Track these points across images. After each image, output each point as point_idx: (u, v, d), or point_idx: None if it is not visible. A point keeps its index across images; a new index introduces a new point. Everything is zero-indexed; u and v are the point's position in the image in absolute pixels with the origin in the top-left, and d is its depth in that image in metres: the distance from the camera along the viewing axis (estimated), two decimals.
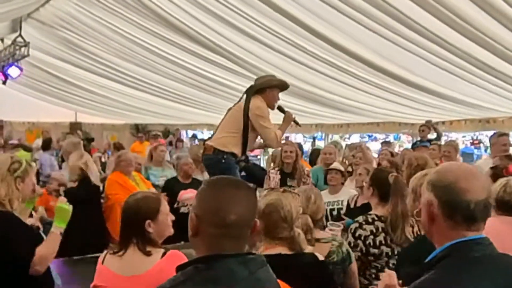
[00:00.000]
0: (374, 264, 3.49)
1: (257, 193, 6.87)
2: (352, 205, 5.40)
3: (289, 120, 5.33)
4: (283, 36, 7.00)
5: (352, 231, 3.52)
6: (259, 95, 5.17)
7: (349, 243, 3.46)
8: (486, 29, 5.41)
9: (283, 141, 5.98)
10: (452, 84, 7.61)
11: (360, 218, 3.57)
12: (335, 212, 5.57)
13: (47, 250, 3.05)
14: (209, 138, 5.54)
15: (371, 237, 3.46)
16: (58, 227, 3.16)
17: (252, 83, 5.28)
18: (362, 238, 3.46)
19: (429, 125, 9.16)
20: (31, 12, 9.72)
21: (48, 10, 9.45)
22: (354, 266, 3.32)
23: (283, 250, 2.67)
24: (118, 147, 11.30)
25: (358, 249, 3.46)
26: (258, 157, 16.85)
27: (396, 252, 3.46)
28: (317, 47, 7.07)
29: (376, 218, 3.52)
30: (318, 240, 3.17)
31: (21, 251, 2.98)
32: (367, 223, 3.51)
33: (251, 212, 1.64)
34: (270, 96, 5.21)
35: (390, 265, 3.46)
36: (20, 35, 10.19)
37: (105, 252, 2.75)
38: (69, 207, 3.22)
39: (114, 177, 6.15)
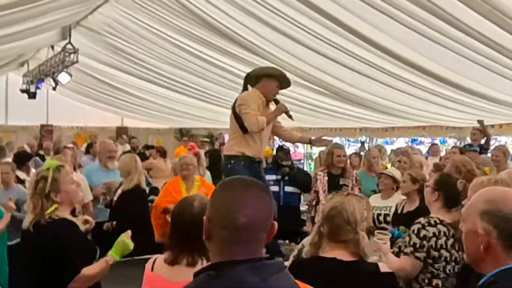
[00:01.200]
0: (430, 269, 3.42)
1: (301, 198, 6.92)
2: (399, 211, 5.30)
3: (279, 110, 5.10)
4: (327, 39, 6.96)
5: (416, 232, 3.44)
6: (255, 84, 5.06)
7: (414, 245, 3.40)
8: None
9: (334, 145, 5.92)
10: (501, 86, 7.39)
11: (422, 220, 3.51)
12: (381, 217, 5.49)
13: (92, 274, 3.06)
14: None
15: (434, 239, 3.40)
16: (113, 258, 3.13)
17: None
18: (427, 238, 3.40)
19: (481, 128, 8.75)
20: (80, 19, 10.00)
21: (96, 17, 9.70)
22: None
23: (342, 254, 2.62)
24: (160, 151, 11.40)
25: (425, 249, 3.40)
26: (302, 161, 16.81)
27: (453, 258, 3.40)
28: (362, 49, 7.00)
29: (438, 222, 3.46)
30: None
31: (71, 263, 3.01)
32: (430, 225, 3.45)
33: (265, 214, 1.55)
34: (267, 85, 5.05)
35: (447, 270, 3.40)
36: (69, 42, 10.49)
37: (154, 257, 2.74)
38: (131, 244, 3.20)
39: (168, 184, 6.19)
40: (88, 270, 3.04)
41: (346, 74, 8.30)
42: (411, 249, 3.42)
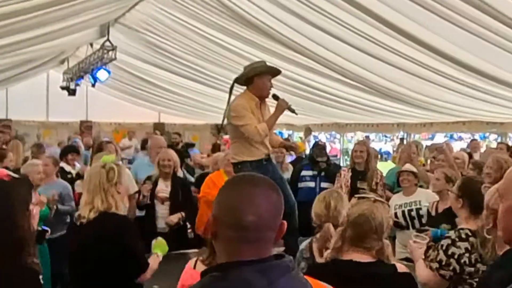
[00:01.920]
0: (469, 281, 3.23)
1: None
2: (433, 213, 5.19)
3: (281, 108, 4.97)
4: (363, 32, 6.87)
5: (444, 248, 3.24)
6: (247, 86, 4.94)
7: (440, 261, 3.23)
8: None
9: (358, 141, 5.89)
10: None
11: (453, 234, 3.31)
12: (413, 213, 5.43)
13: (154, 266, 3.42)
14: None
15: (467, 255, 3.18)
16: (160, 255, 3.56)
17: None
18: (456, 256, 3.19)
19: None
20: (118, 17, 10.15)
21: (133, 15, 9.83)
22: None
23: (360, 257, 2.61)
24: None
25: (451, 268, 3.20)
26: (338, 156, 16.71)
27: None
28: (400, 43, 6.89)
29: (470, 234, 3.23)
30: None
31: (139, 260, 3.30)
32: (461, 239, 3.22)
33: (273, 213, 1.49)
34: (260, 84, 4.89)
35: None
36: (108, 39, 10.66)
37: (195, 258, 2.90)
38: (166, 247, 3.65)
39: (212, 176, 6.32)
40: (153, 263, 3.40)
41: (384, 69, 8.18)
42: (437, 265, 3.24)
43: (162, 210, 5.75)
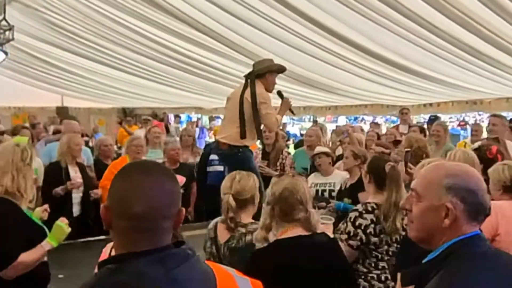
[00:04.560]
0: (374, 253, 3.50)
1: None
2: (343, 188, 5.45)
3: (287, 106, 5.55)
4: (271, 17, 6.95)
5: (352, 220, 3.50)
6: (258, 80, 5.31)
7: (349, 232, 3.46)
8: (474, 14, 5.45)
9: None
10: (439, 66, 7.63)
11: (360, 207, 3.57)
12: (326, 193, 5.63)
13: (29, 261, 2.97)
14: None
15: (372, 225, 3.46)
16: (49, 244, 3.07)
17: (249, 67, 5.45)
18: (362, 227, 3.45)
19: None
20: None
21: None
22: None
23: (300, 231, 2.74)
24: None
25: (358, 238, 3.45)
26: None
27: (394, 239, 3.48)
28: (304, 28, 7.04)
29: (375, 207, 3.51)
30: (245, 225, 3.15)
31: (7, 247, 2.90)
32: (367, 212, 3.50)
33: (166, 201, 1.43)
34: (270, 80, 5.40)
35: (390, 253, 3.49)
36: (4, 18, 10.02)
37: (110, 244, 2.69)
38: (67, 230, 3.16)
39: (115, 166, 6.00)
40: (26, 257, 2.95)
41: (291, 54, 8.32)
42: (346, 236, 3.48)
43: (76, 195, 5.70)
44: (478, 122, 10.66)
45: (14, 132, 6.90)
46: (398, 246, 3.44)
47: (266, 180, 4.63)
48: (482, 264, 1.63)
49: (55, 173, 5.61)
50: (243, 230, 3.14)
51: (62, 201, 5.50)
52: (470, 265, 1.62)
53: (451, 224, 1.69)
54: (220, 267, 1.56)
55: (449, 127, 11.85)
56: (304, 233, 2.74)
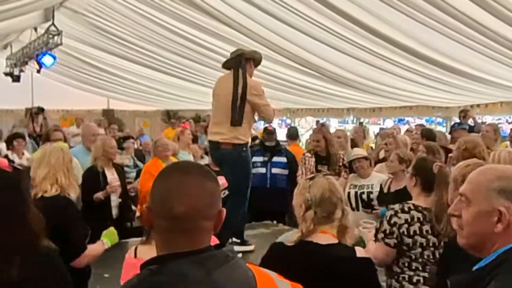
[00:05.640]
0: (408, 254, 3.44)
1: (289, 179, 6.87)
2: (385, 190, 5.37)
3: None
4: (314, 19, 6.91)
5: (387, 218, 3.46)
6: (242, 66, 4.94)
7: (384, 231, 3.41)
8: None
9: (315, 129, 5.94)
10: (486, 66, 7.44)
11: (396, 206, 3.51)
12: (364, 196, 5.56)
13: (94, 253, 3.28)
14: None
15: (405, 225, 3.39)
16: (107, 243, 3.40)
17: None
18: (397, 226, 3.40)
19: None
20: (63, 0, 9.82)
21: None
22: None
23: (328, 238, 2.63)
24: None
25: (395, 236, 3.40)
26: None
27: (431, 243, 3.39)
28: (350, 31, 6.97)
29: (412, 208, 3.44)
30: None
31: (76, 242, 3.14)
32: (403, 211, 3.44)
33: (206, 201, 1.43)
34: (251, 68, 5.07)
35: (425, 256, 3.41)
36: (53, 24, 10.31)
37: (134, 246, 2.79)
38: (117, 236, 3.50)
39: (148, 168, 6.14)
40: (92, 250, 3.26)
41: (335, 56, 8.28)
42: (382, 235, 3.43)
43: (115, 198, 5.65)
44: None
45: (47, 136, 6.76)
46: (436, 250, 3.36)
47: None
48: None
49: (92, 178, 5.48)
50: None
51: (101, 204, 5.46)
52: None
53: (504, 230, 1.60)
54: (261, 269, 1.55)
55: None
56: (331, 240, 2.62)
